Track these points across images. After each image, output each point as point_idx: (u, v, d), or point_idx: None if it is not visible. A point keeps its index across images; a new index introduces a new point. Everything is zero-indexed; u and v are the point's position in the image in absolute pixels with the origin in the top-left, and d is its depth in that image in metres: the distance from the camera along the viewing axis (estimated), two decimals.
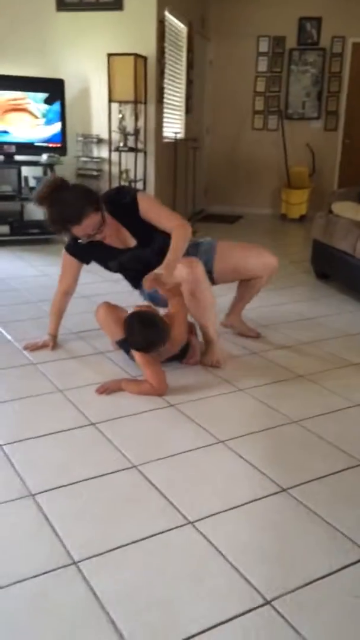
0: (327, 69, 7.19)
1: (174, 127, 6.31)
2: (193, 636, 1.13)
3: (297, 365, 2.50)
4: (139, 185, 5.61)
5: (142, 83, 5.30)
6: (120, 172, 5.55)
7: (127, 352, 2.36)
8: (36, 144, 5.09)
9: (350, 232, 3.61)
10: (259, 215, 7.48)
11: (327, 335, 2.92)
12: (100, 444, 1.83)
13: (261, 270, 2.62)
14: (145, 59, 5.29)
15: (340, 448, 1.84)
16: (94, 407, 2.06)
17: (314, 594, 1.24)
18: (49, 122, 5.12)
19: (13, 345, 2.62)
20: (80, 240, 2.33)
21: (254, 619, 1.17)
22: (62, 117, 5.13)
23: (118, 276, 2.61)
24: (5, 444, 1.80)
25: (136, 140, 5.47)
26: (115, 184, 5.56)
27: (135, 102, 5.25)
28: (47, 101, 5.10)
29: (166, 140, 5.99)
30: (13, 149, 5.01)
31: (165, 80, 5.76)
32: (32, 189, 5.20)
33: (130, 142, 5.46)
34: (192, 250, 2.52)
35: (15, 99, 5.00)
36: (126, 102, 5.28)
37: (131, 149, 5.44)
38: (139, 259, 2.40)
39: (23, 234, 5.02)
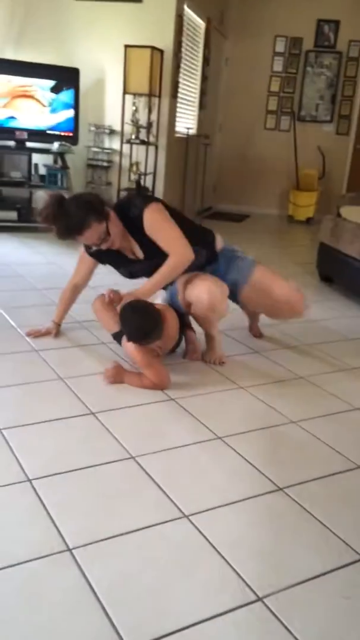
0: (342, 73, 7.17)
1: (186, 122, 6.30)
2: (184, 628, 1.13)
3: (298, 366, 2.51)
4: (149, 179, 5.61)
5: (157, 76, 5.29)
6: (131, 165, 5.54)
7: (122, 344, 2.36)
8: (48, 131, 5.08)
9: (357, 237, 3.61)
10: (265, 216, 7.47)
11: (328, 339, 2.92)
12: (99, 434, 1.83)
13: (285, 317, 2.61)
14: (161, 52, 5.28)
15: (338, 451, 1.84)
16: (94, 397, 2.06)
17: (306, 593, 1.25)
18: (54, 111, 5.09)
19: (16, 331, 2.62)
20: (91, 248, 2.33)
21: (245, 615, 1.18)
22: (76, 106, 5.12)
23: None
24: (4, 429, 1.81)
25: (148, 133, 5.46)
26: (125, 176, 5.56)
27: (150, 95, 5.24)
28: (56, 89, 5.06)
29: (178, 135, 5.98)
30: (25, 135, 5.00)
31: (181, 75, 5.75)
32: (42, 176, 5.20)
33: (142, 135, 5.45)
34: (225, 263, 2.46)
35: (24, 86, 4.97)
36: (140, 94, 5.27)
37: (143, 142, 5.43)
38: (149, 272, 2.33)
39: (30, 221, 5.02)
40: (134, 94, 5.29)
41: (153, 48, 5.09)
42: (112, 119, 5.53)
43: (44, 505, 1.46)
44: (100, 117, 5.56)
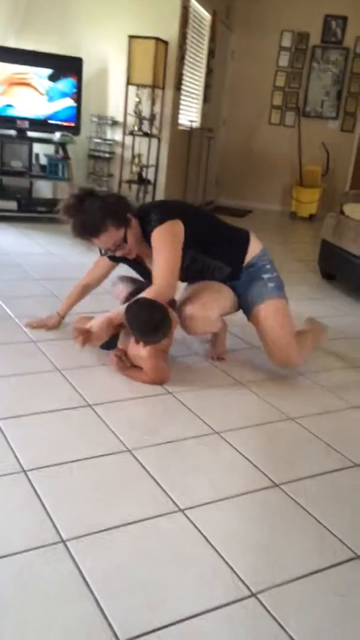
0: (348, 69, 7.13)
1: (190, 115, 6.26)
2: (176, 622, 1.13)
3: None
4: (151, 172, 5.58)
5: (161, 68, 5.25)
6: (133, 157, 5.52)
7: (109, 347, 2.24)
8: (50, 121, 5.04)
9: None
10: (268, 211, 7.45)
11: (329, 336, 2.90)
12: (96, 426, 1.82)
13: (273, 359, 2.30)
14: (166, 43, 5.24)
15: (335, 448, 1.83)
16: (92, 389, 2.05)
17: (300, 589, 1.24)
18: (51, 100, 5.03)
19: (14, 322, 2.61)
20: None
21: (238, 610, 1.17)
22: (78, 97, 5.08)
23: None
24: (0, 419, 1.79)
25: (151, 125, 5.43)
26: (127, 168, 5.54)
27: (153, 86, 5.21)
28: (54, 78, 4.99)
29: (181, 127, 5.95)
30: (26, 124, 4.96)
31: (185, 67, 5.71)
32: (42, 166, 5.17)
33: (145, 127, 5.43)
34: (246, 282, 2.26)
35: (20, 73, 4.91)
36: (144, 86, 5.24)
37: (145, 134, 5.40)
38: None
39: (30, 211, 5.00)
40: (138, 85, 5.25)
41: (157, 39, 5.05)
42: (115, 110, 5.49)
43: (38, 497, 1.45)
44: (103, 108, 5.53)
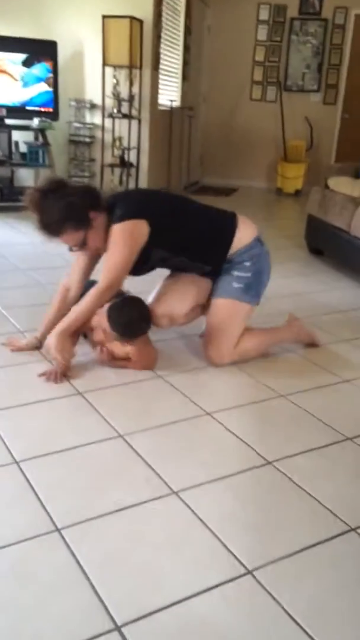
0: (328, 41, 7.04)
1: (169, 94, 6.18)
2: (174, 604, 1.13)
3: None
4: (133, 155, 5.51)
5: (137, 47, 5.17)
6: (114, 140, 5.45)
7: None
8: (27, 107, 4.96)
9: (346, 208, 3.57)
10: (254, 189, 7.40)
11: (317, 311, 2.91)
12: (87, 413, 1.81)
13: (204, 351, 2.22)
14: (141, 22, 5.15)
15: (327, 423, 1.84)
16: (81, 377, 2.04)
17: (295, 565, 1.25)
18: (26, 85, 4.94)
19: (1, 313, 2.59)
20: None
21: (234, 588, 1.18)
22: (55, 81, 4.99)
23: None
24: None
25: (130, 106, 5.36)
26: (108, 152, 5.47)
27: (130, 67, 5.12)
28: (28, 63, 4.90)
29: (161, 108, 5.87)
30: (3, 112, 4.88)
31: (162, 46, 5.62)
32: (23, 154, 5.09)
33: (125, 109, 5.35)
34: (222, 277, 2.16)
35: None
36: (121, 66, 5.15)
37: (125, 116, 5.32)
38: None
39: (13, 201, 4.92)
40: (114, 66, 5.17)
41: (132, 18, 4.96)
42: (93, 92, 5.41)
43: (31, 487, 1.45)
44: (81, 91, 5.44)
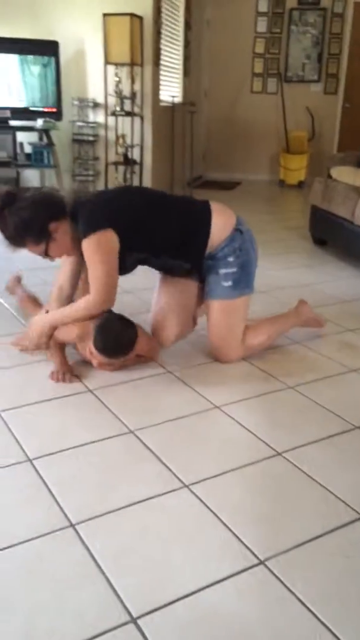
0: (327, 30, 7.00)
1: (171, 90, 6.17)
2: (188, 595, 1.15)
3: (294, 331, 2.50)
4: (136, 152, 5.52)
5: (138, 44, 5.17)
6: (117, 138, 5.45)
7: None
8: (31, 108, 4.98)
9: (349, 198, 3.57)
10: (257, 182, 7.38)
11: (323, 302, 2.91)
12: (98, 410, 1.84)
13: (210, 350, 2.23)
14: (141, 19, 5.15)
15: (335, 413, 1.85)
16: (91, 374, 2.06)
17: (307, 554, 1.27)
18: (29, 86, 4.95)
19: (9, 313, 2.61)
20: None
21: (247, 578, 1.20)
22: (57, 81, 5.01)
23: None
24: (3, 411, 1.81)
25: (132, 104, 5.36)
26: (112, 150, 5.48)
27: (132, 64, 5.12)
28: (30, 64, 4.92)
29: (163, 104, 5.87)
30: (8, 113, 4.90)
31: (162, 42, 5.61)
32: (28, 155, 5.12)
33: (127, 106, 5.35)
34: (206, 274, 2.13)
35: None
36: (122, 64, 5.15)
37: (128, 113, 5.33)
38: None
39: None
40: (116, 64, 5.17)
41: (132, 15, 4.96)
42: (95, 91, 5.42)
43: (45, 484, 1.47)
44: (83, 90, 5.45)
